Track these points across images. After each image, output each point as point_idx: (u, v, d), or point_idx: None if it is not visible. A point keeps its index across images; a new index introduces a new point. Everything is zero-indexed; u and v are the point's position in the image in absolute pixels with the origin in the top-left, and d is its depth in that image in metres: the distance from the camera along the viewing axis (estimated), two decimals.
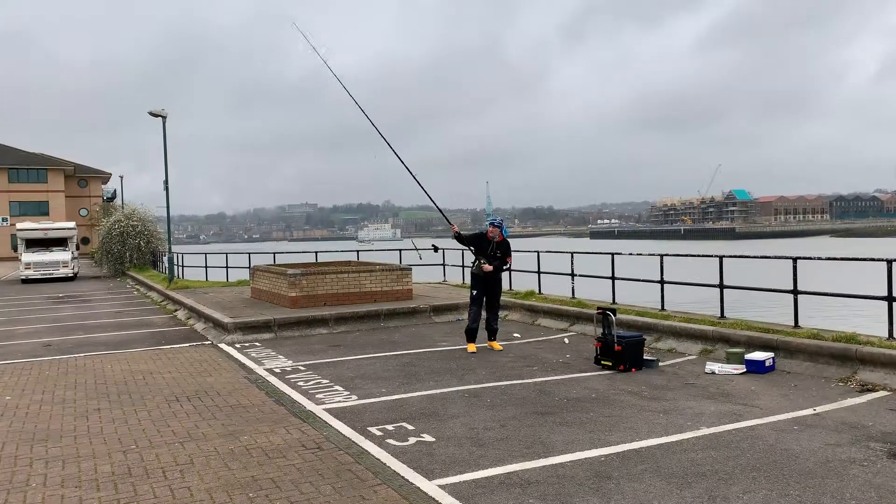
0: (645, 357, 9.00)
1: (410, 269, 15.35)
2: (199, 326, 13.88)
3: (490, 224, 10.69)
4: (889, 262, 8.45)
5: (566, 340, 11.16)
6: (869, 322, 11.38)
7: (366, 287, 14.43)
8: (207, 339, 12.37)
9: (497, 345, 10.57)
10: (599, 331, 9.18)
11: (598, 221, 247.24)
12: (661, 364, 9.02)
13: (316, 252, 21.69)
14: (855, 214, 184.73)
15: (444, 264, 19.49)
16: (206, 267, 25.60)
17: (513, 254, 10.99)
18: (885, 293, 8.42)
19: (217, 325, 12.93)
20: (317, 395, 7.84)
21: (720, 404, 7.06)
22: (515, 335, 11.81)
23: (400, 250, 20.53)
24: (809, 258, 9.92)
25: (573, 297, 13.59)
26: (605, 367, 8.86)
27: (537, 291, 14.76)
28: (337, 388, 8.21)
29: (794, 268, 9.54)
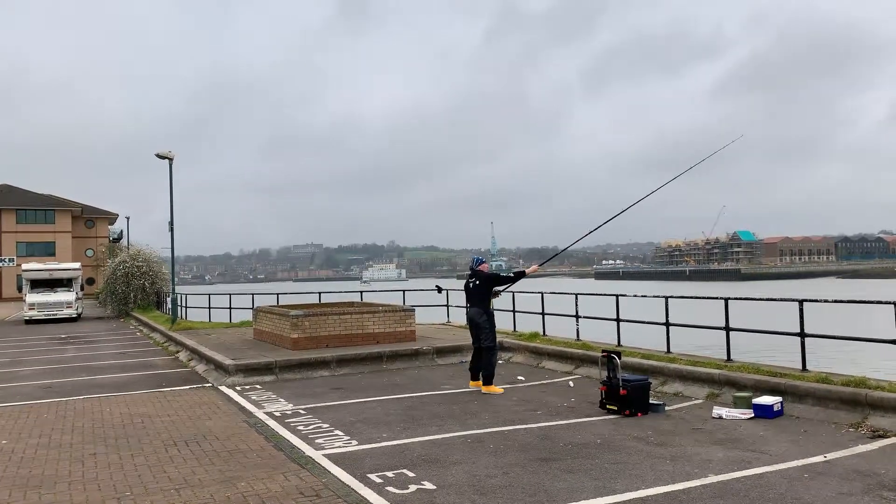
0: (651, 401, 8.84)
1: (413, 311, 15.26)
2: (201, 368, 13.76)
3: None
4: None
5: (571, 384, 11.01)
6: (879, 365, 11.21)
7: (369, 328, 14.34)
8: (208, 382, 12.25)
9: (480, 384, 10.53)
10: (604, 374, 9.05)
11: (603, 262, 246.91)
12: (667, 408, 8.86)
13: (319, 293, 21.64)
14: (860, 255, 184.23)
15: (447, 305, 19.39)
16: (209, 308, 25.52)
17: (516, 294, 11.13)
18: (893, 336, 8.30)
19: (218, 367, 12.82)
20: (317, 440, 7.70)
21: (728, 450, 6.90)
22: (520, 378, 11.67)
23: (403, 291, 20.48)
24: (816, 300, 9.82)
25: (578, 339, 13.46)
26: (610, 412, 8.71)
27: (542, 333, 14.63)
28: (337, 432, 8.07)
29: (801, 310, 9.44)
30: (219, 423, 8.80)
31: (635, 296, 13.74)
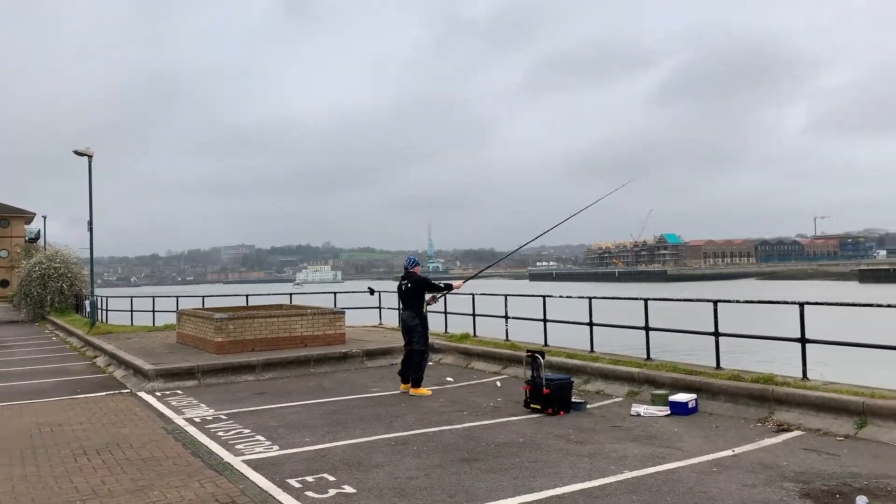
0: (573, 399, 9.03)
1: (343, 313, 15.11)
2: (119, 374, 13.25)
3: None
4: (801, 305, 8.81)
5: (498, 384, 11.13)
6: (787, 362, 11.76)
7: (296, 331, 14.11)
8: (126, 388, 11.80)
9: (412, 390, 10.51)
10: (529, 374, 9.19)
11: (538, 263, 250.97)
12: (588, 406, 9.07)
13: (247, 295, 21.16)
14: (778, 258, 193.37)
15: (380, 307, 19.28)
16: (131, 311, 24.63)
17: (448, 295, 11.22)
18: (799, 335, 8.75)
19: (137, 372, 12.37)
20: (236, 446, 7.52)
21: (644, 447, 7.11)
22: (448, 379, 11.72)
23: (335, 293, 20.25)
24: (729, 301, 10.25)
25: (507, 340, 13.62)
26: (534, 411, 8.85)
27: (472, 334, 14.73)
28: (259, 437, 7.91)
29: (715, 310, 9.83)
30: (134, 431, 8.48)
31: (561, 297, 14.01)
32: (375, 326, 18.93)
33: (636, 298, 11.53)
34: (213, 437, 7.99)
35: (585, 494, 5.67)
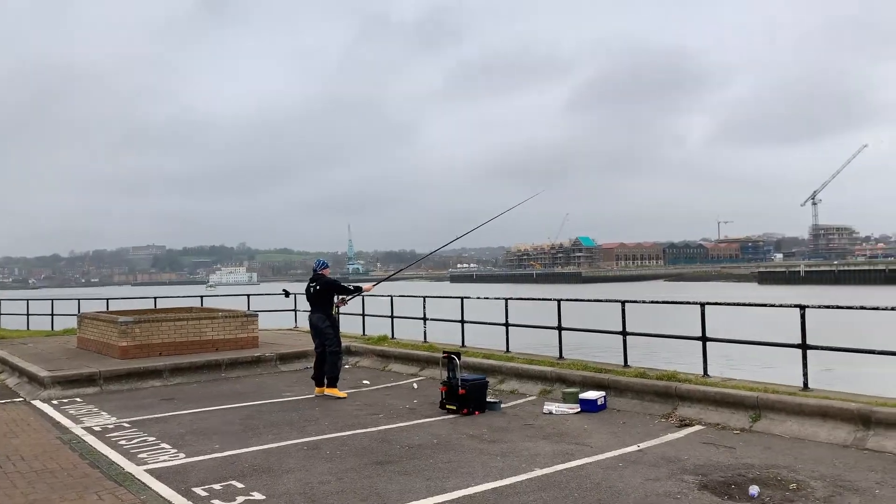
0: (488, 399, 9.15)
1: (256, 316, 14.74)
2: (12, 382, 12.42)
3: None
4: (702, 305, 9.26)
5: (415, 386, 11.14)
6: (689, 360, 12.34)
7: (207, 335, 13.64)
8: (20, 396, 11.08)
9: (327, 390, 10.41)
10: (445, 375, 9.24)
11: (459, 265, 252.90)
12: (503, 406, 9.20)
13: (155, 298, 20.31)
14: (685, 260, 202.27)
15: (295, 310, 18.92)
16: (27, 314, 23.17)
17: (366, 297, 11.14)
18: (700, 334, 9.19)
19: (32, 379, 11.63)
20: (139, 455, 7.19)
21: (555, 444, 7.28)
22: (365, 382, 11.62)
23: (248, 295, 19.74)
24: (636, 301, 10.65)
25: (425, 342, 13.65)
26: (449, 412, 8.90)
27: (390, 336, 14.68)
28: (164, 445, 7.59)
29: (623, 311, 10.19)
30: (27, 441, 7.97)
31: (478, 298, 14.18)
32: (290, 329, 18.57)
33: (550, 299, 11.80)
34: (114, 446, 7.61)
35: (496, 493, 5.75)
